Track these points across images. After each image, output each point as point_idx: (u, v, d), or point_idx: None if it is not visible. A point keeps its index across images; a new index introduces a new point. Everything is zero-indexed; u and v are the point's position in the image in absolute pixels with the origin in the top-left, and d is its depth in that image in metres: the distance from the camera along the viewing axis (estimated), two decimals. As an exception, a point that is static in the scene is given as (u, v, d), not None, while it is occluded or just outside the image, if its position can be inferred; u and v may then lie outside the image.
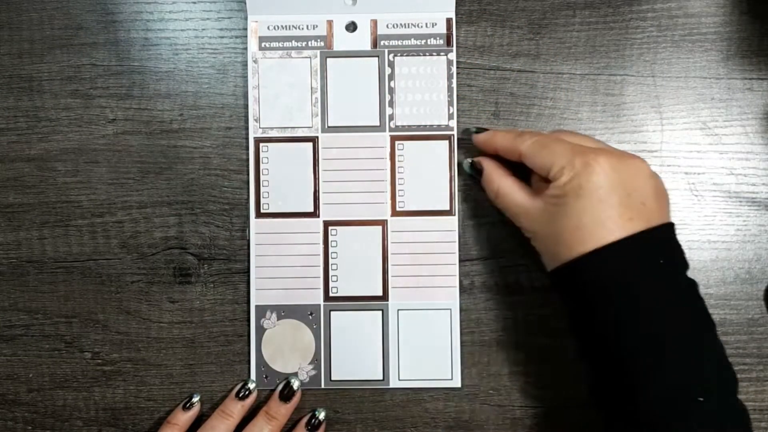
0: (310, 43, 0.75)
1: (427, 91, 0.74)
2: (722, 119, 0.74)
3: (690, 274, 0.71)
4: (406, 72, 0.74)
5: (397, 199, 0.74)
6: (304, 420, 0.73)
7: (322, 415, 0.73)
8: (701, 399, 0.59)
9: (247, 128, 0.75)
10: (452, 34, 0.74)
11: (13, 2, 0.76)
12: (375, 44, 0.74)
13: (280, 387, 0.73)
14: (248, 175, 0.74)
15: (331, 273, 0.74)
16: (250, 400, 0.73)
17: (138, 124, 0.75)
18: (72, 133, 0.75)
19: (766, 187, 0.74)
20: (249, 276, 0.74)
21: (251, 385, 0.73)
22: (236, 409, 0.72)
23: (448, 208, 0.74)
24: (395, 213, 0.74)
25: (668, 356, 0.59)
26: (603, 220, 0.62)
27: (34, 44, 0.76)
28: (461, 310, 0.73)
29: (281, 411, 0.72)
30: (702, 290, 0.72)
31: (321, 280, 0.74)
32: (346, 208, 0.74)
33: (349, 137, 0.74)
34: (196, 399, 0.73)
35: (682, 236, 0.73)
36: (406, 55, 0.74)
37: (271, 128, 0.74)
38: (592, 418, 0.73)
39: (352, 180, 0.74)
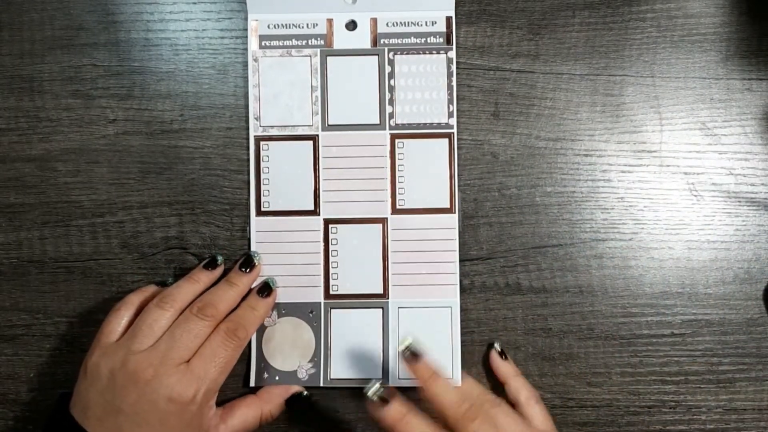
0: (310, 41, 0.75)
1: (427, 89, 0.74)
2: (721, 119, 0.75)
3: (689, 274, 0.72)
4: (406, 70, 0.74)
5: (398, 196, 0.74)
6: (257, 288, 0.73)
7: (273, 286, 0.73)
8: None
9: (247, 127, 0.75)
10: (452, 33, 0.75)
11: (14, 3, 0.76)
12: (375, 42, 0.75)
13: (241, 260, 0.73)
14: (248, 173, 0.75)
15: (331, 271, 0.74)
16: (218, 272, 0.73)
17: (138, 124, 0.76)
18: (73, 133, 0.76)
19: (765, 187, 0.74)
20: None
21: (219, 259, 0.73)
22: (204, 276, 0.72)
23: (448, 205, 0.74)
24: (395, 211, 0.74)
25: None
26: None
27: (35, 45, 0.76)
28: (461, 309, 0.73)
29: (242, 279, 0.72)
30: (701, 290, 0.72)
31: (321, 278, 0.74)
32: (346, 205, 0.74)
33: (349, 135, 0.74)
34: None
35: (682, 236, 0.74)
36: (406, 54, 0.74)
37: (272, 126, 0.74)
38: (592, 418, 0.73)
39: (352, 178, 0.74)
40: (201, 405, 0.66)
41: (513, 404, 0.71)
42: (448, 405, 0.66)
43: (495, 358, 0.73)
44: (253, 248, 0.74)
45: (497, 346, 0.73)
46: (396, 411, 0.65)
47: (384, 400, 0.65)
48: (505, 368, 0.73)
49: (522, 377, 0.73)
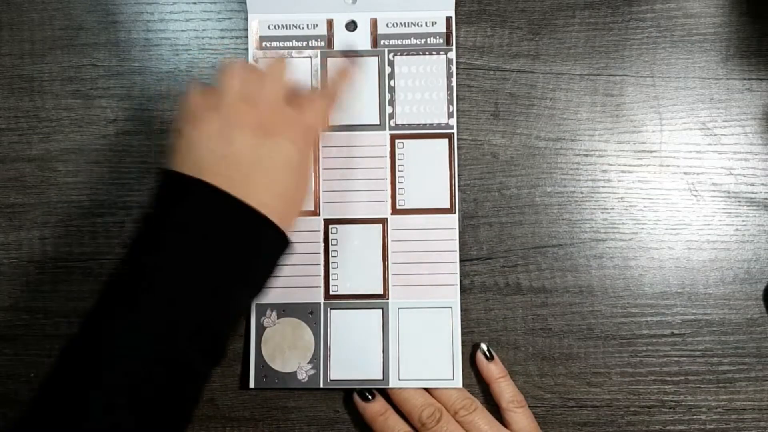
0: (310, 42, 0.75)
1: (427, 89, 0.74)
2: (721, 119, 0.75)
3: (689, 274, 0.72)
4: (406, 71, 0.74)
5: (398, 197, 0.74)
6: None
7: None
8: None
9: (247, 127, 0.75)
10: (452, 33, 0.75)
11: (14, 3, 0.76)
12: (375, 43, 0.75)
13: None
14: (249, 174, 0.75)
15: (331, 271, 0.74)
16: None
17: (138, 124, 0.75)
18: (73, 133, 0.76)
19: (765, 187, 0.74)
20: (249, 275, 0.74)
21: None
22: None
23: (448, 206, 0.74)
24: (395, 211, 0.74)
25: None
26: None
27: (35, 45, 0.76)
28: (461, 309, 0.73)
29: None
30: (701, 290, 0.72)
31: (321, 278, 0.73)
32: (346, 206, 0.74)
33: (349, 136, 0.74)
34: None
35: (682, 236, 0.74)
36: (406, 54, 0.74)
37: (272, 127, 0.74)
38: (592, 418, 0.73)
39: (352, 178, 0.74)
40: (310, 155, 0.67)
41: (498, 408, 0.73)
42: (413, 409, 0.72)
43: (480, 359, 0.73)
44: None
45: (483, 346, 0.73)
46: (378, 407, 0.72)
47: (367, 398, 0.73)
48: (489, 371, 0.73)
49: (507, 380, 0.73)
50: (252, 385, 0.73)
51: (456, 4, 0.75)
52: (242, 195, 0.59)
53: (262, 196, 0.60)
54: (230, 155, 0.60)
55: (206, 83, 0.65)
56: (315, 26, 0.75)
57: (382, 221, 0.74)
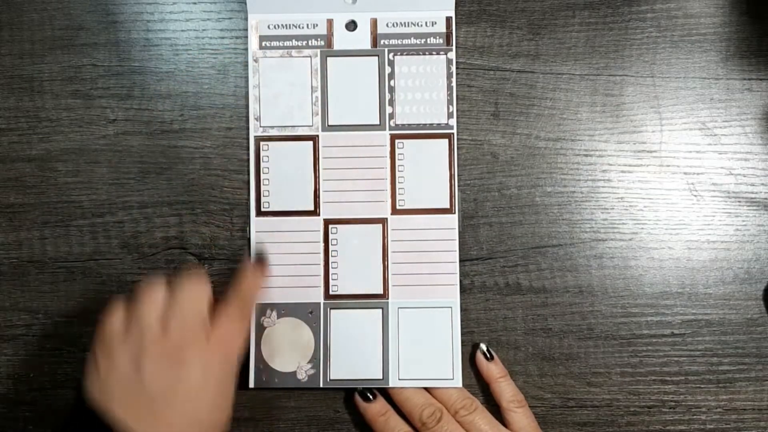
0: (310, 42, 0.75)
1: (427, 89, 0.74)
2: (721, 119, 0.75)
3: (689, 274, 0.72)
4: (405, 71, 0.74)
5: (397, 197, 0.74)
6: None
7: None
8: None
9: (247, 128, 0.75)
10: (452, 33, 0.75)
11: (14, 3, 0.76)
12: (375, 43, 0.75)
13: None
14: (248, 173, 0.74)
15: (331, 271, 0.74)
16: None
17: (138, 124, 0.76)
18: (73, 133, 0.76)
19: (765, 187, 0.74)
20: (249, 274, 0.74)
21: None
22: None
23: (448, 206, 0.74)
24: (395, 211, 0.74)
25: None
26: None
27: (35, 45, 0.76)
28: (461, 309, 0.73)
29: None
30: (701, 290, 0.72)
31: (321, 278, 0.73)
32: (346, 206, 0.74)
33: (349, 136, 0.74)
34: None
35: (682, 236, 0.74)
36: (406, 54, 0.74)
37: (272, 127, 0.74)
38: (592, 418, 0.73)
39: (352, 178, 0.74)
40: (229, 374, 0.66)
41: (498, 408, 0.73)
42: (413, 408, 0.72)
43: (480, 359, 0.73)
44: (253, 248, 0.74)
45: (483, 346, 0.73)
46: (378, 407, 0.72)
47: (368, 398, 0.73)
48: (489, 370, 0.73)
49: (507, 380, 0.73)
50: (252, 384, 0.73)
51: (456, 4, 0.75)
52: (149, 426, 0.61)
53: (173, 426, 0.62)
54: (140, 386, 0.62)
55: (125, 303, 0.66)
56: (315, 26, 0.75)
57: (382, 221, 0.74)
